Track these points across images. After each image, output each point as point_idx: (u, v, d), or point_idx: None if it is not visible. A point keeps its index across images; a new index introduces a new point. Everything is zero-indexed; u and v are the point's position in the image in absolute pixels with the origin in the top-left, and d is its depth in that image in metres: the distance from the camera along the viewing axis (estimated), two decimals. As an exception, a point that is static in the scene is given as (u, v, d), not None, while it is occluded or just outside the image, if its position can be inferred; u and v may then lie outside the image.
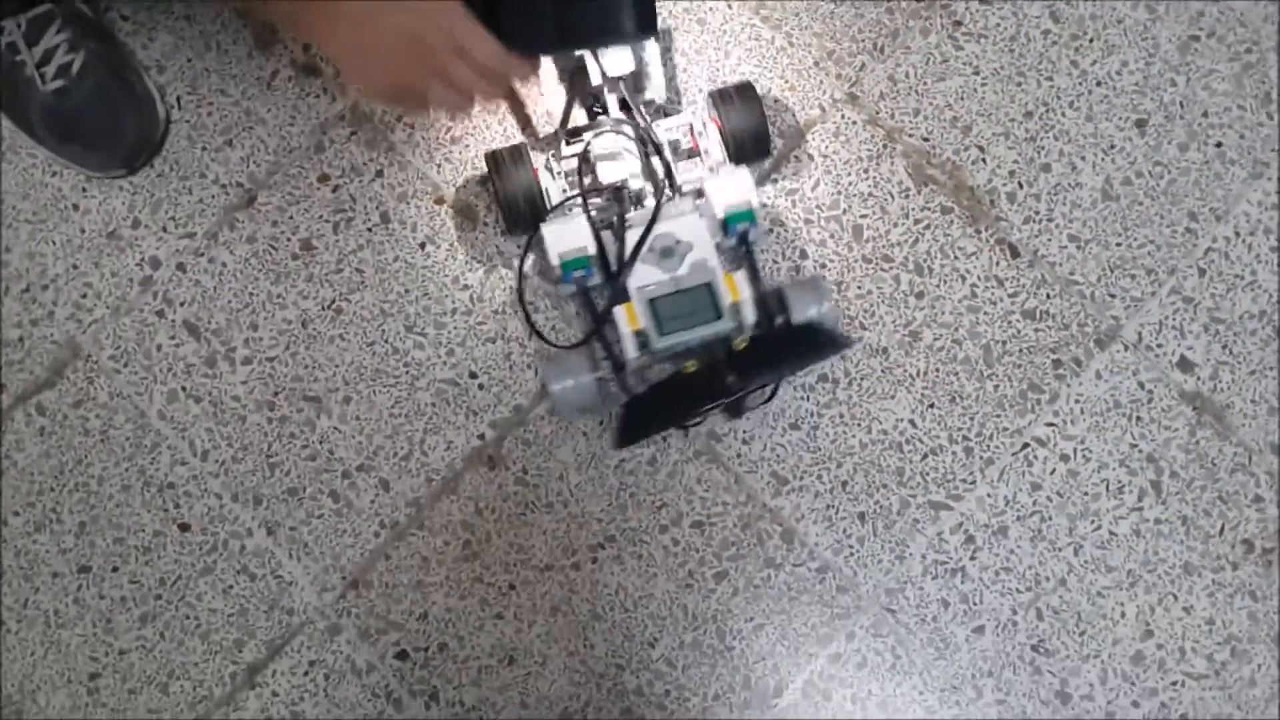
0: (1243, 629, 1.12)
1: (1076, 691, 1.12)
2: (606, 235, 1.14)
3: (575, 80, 1.17)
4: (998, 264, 1.20)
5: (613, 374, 1.11)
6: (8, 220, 1.25)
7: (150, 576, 1.16)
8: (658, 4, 1.10)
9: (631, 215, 1.13)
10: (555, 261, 1.11)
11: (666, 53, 1.28)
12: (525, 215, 1.16)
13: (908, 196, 1.22)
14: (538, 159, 1.17)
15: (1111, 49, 1.25)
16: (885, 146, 1.24)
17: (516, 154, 1.16)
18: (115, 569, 1.17)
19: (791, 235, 1.22)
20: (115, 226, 1.23)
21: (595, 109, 1.17)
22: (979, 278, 1.20)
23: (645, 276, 1.10)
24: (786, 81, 1.26)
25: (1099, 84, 1.24)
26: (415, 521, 1.16)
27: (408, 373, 1.19)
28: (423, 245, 1.22)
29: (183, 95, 1.28)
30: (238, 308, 1.22)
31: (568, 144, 1.16)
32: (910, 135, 1.24)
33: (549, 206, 1.16)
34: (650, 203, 1.13)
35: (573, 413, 1.18)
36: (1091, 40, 1.26)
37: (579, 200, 1.14)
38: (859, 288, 1.20)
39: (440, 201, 1.24)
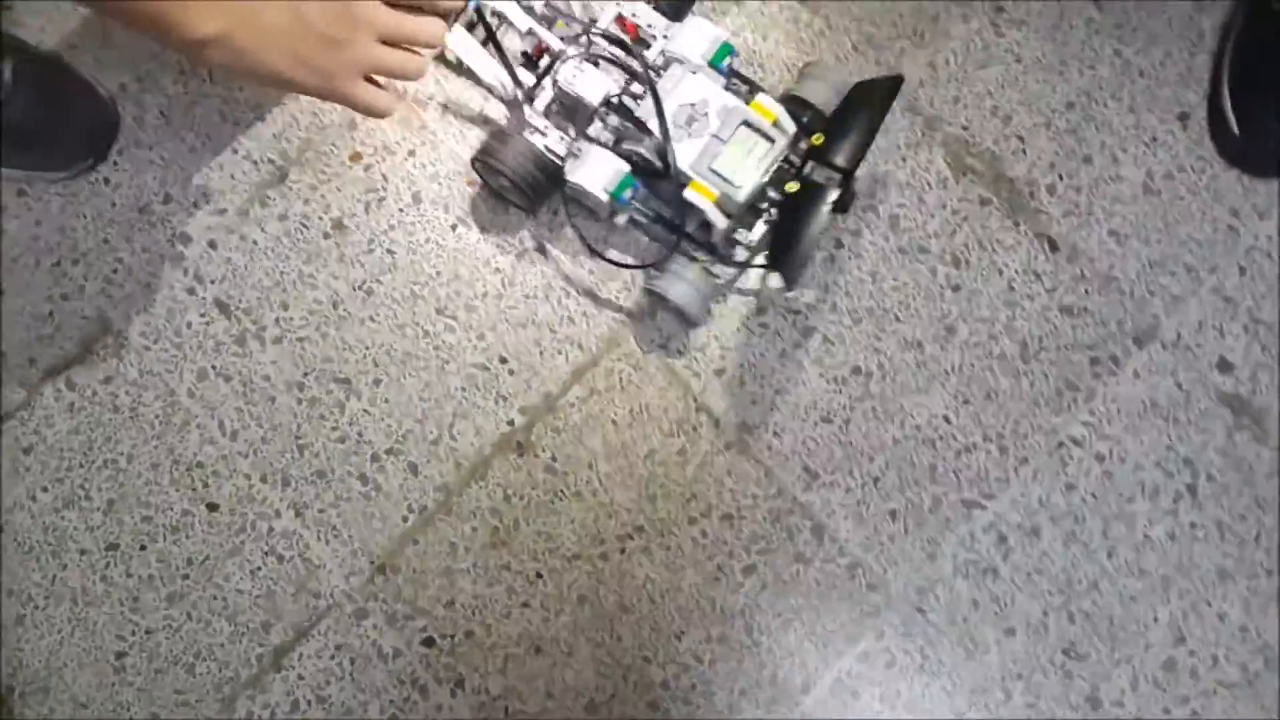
0: (1277, 638, 0.98)
1: (1107, 697, 1.00)
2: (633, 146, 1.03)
3: (494, 43, 1.05)
4: (1036, 258, 1.06)
5: (710, 256, 1.05)
6: (38, 193, 1.09)
7: (178, 556, 1.04)
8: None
9: (639, 111, 1.02)
10: (604, 197, 1.01)
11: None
12: (545, 182, 1.04)
13: (945, 187, 1.08)
14: (517, 127, 1.05)
15: (1155, 39, 1.10)
16: (924, 135, 1.09)
17: (500, 136, 1.03)
18: (143, 547, 1.04)
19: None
20: (146, 201, 1.10)
21: (532, 55, 1.07)
22: (1017, 271, 1.06)
23: (690, 152, 1.00)
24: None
25: (1142, 75, 1.10)
26: (443, 507, 1.03)
27: (438, 356, 1.06)
28: (454, 227, 1.09)
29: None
30: (268, 286, 1.08)
31: (535, 96, 1.05)
32: (949, 124, 1.09)
33: (562, 157, 1.04)
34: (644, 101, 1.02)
35: (703, 314, 1.08)
36: (1135, 30, 1.11)
37: (583, 137, 1.03)
38: (894, 279, 1.06)
39: (472, 183, 1.11)
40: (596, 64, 1.03)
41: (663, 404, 1.05)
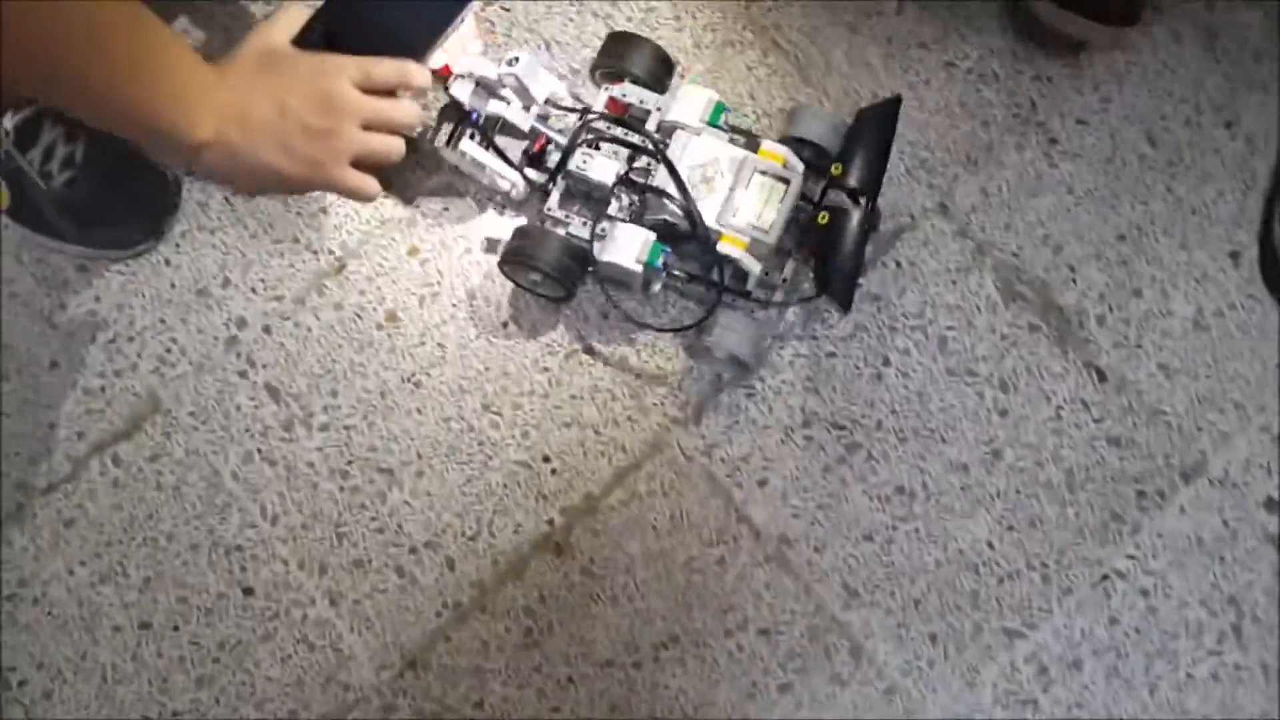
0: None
1: (1147, 840, 0.94)
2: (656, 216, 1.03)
3: (495, 148, 1.06)
4: (1084, 387, 1.04)
5: (753, 302, 1.05)
6: (99, 270, 1.09)
7: (210, 639, 1.01)
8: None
9: (655, 179, 1.02)
10: (638, 267, 1.00)
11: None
12: (577, 268, 1.03)
13: (995, 311, 1.06)
14: (549, 227, 1.06)
15: (1208, 177, 1.09)
16: (975, 259, 1.08)
17: (524, 233, 1.03)
18: (176, 628, 1.02)
19: (875, 343, 1.05)
20: (205, 284, 1.09)
21: (534, 152, 1.06)
22: (1064, 399, 1.04)
23: (712, 208, 1.01)
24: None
25: (1194, 212, 1.09)
26: (478, 604, 1.01)
27: (481, 451, 1.04)
28: (505, 325, 1.07)
29: (282, 159, 1.11)
30: (319, 373, 1.06)
31: (550, 186, 1.06)
32: (1000, 250, 1.08)
33: (589, 239, 1.05)
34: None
35: (758, 357, 1.10)
36: (1188, 167, 1.10)
37: (609, 212, 1.05)
38: (941, 400, 1.03)
39: (522, 286, 1.07)
40: (599, 147, 1.04)
41: (704, 512, 1.03)
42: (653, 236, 1.02)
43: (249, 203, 1.13)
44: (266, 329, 1.10)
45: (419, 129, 0.94)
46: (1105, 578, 1.02)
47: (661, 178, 1.02)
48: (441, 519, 1.05)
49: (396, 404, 1.08)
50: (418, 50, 0.88)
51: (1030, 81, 1.14)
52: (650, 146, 1.02)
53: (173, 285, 1.11)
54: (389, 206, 1.13)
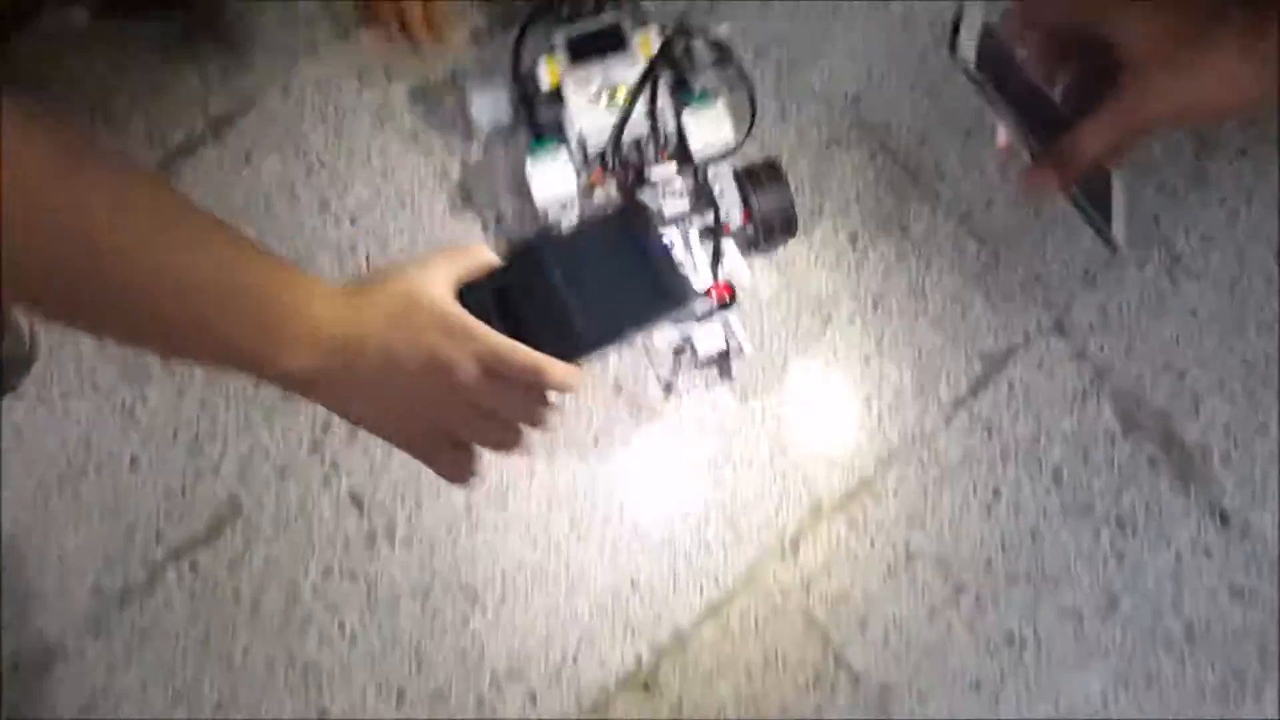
0: None
1: None
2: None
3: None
4: (1206, 531, 0.92)
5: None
6: (183, 364, 0.98)
7: (284, 766, 0.89)
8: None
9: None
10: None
11: (863, 258, 1.07)
12: None
13: (1114, 443, 0.93)
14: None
15: (1343, 302, 0.94)
16: (1092, 384, 0.95)
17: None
18: (250, 752, 0.90)
19: (985, 472, 0.93)
20: (289, 384, 0.97)
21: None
22: (1185, 544, 0.91)
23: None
24: (990, 301, 0.98)
25: (1328, 343, 0.93)
26: (562, 742, 0.88)
27: (568, 575, 0.94)
28: (596, 440, 0.96)
29: (373, 252, 1.07)
30: (404, 483, 0.97)
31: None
32: (1120, 375, 0.95)
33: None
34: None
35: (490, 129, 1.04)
36: (1322, 290, 0.95)
37: None
38: (1055, 539, 0.91)
39: (619, 393, 0.95)
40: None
41: (799, 654, 0.92)
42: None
43: None
44: (352, 433, 0.99)
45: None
46: (1228, 745, 0.88)
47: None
48: (525, 646, 0.95)
49: (481, 519, 0.97)
50: (578, 349, 0.70)
51: (1154, 193, 1.01)
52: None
53: (258, 384, 1.00)
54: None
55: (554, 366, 0.63)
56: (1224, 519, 0.93)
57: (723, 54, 0.96)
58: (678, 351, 0.95)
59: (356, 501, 0.98)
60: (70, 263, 0.53)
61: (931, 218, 1.01)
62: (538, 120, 0.96)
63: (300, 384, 0.62)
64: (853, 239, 1.01)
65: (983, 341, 0.98)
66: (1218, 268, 0.99)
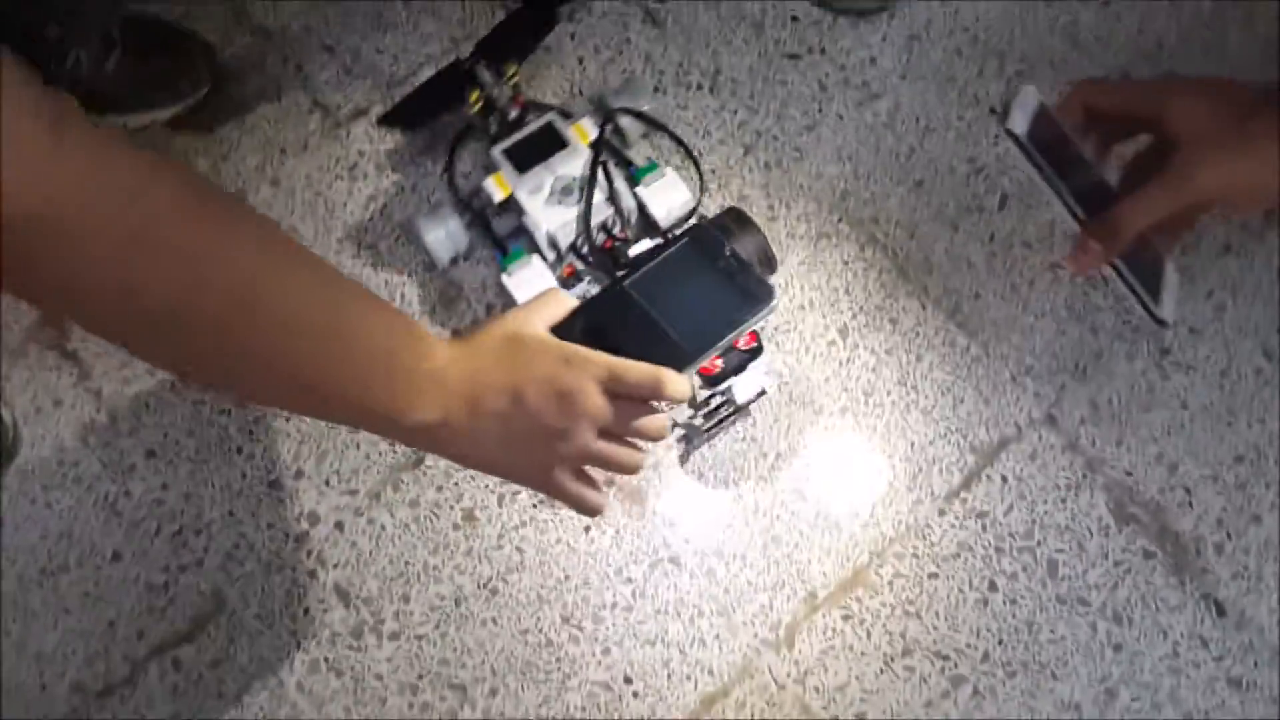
0: None
1: None
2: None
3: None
4: (1202, 621, 0.91)
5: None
6: (168, 455, 0.98)
7: None
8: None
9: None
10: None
11: (854, 351, 1.08)
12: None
13: (1108, 535, 0.93)
14: None
15: (1329, 394, 0.96)
16: (1085, 476, 0.95)
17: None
18: None
19: (981, 564, 0.93)
20: (278, 475, 0.98)
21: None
22: (1181, 635, 0.91)
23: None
24: (981, 394, 0.99)
25: (1315, 428, 0.95)
26: (553, 843, 0.86)
27: (559, 669, 0.92)
28: (587, 529, 0.96)
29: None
30: (391, 576, 0.95)
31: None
32: (1112, 467, 0.95)
33: None
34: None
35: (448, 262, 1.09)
36: (1307, 381, 0.96)
37: None
38: (1051, 631, 0.91)
39: (609, 484, 0.95)
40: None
41: (797, 750, 0.89)
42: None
43: None
44: (339, 525, 0.98)
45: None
46: (1233, 843, 0.87)
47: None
48: (516, 744, 0.91)
49: (471, 612, 0.96)
50: (684, 359, 0.71)
51: (1140, 286, 1.02)
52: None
53: (244, 475, 1.00)
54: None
55: (670, 375, 0.68)
56: (1220, 609, 0.93)
57: (649, 123, 1.04)
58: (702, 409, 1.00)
59: (343, 595, 0.97)
60: (228, 327, 0.57)
61: (921, 311, 1.03)
62: (496, 234, 0.99)
63: (429, 437, 0.66)
64: (843, 332, 1.03)
65: (975, 434, 0.98)
66: (1206, 359, 1.01)
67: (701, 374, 0.93)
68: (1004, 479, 0.98)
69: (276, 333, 0.58)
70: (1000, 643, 0.93)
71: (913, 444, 0.99)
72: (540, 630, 0.96)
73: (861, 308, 1.03)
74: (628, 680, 0.94)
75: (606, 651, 0.95)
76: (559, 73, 1.13)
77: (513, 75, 1.01)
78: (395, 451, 1.00)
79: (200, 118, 1.13)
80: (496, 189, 0.97)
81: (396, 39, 1.17)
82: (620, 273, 0.81)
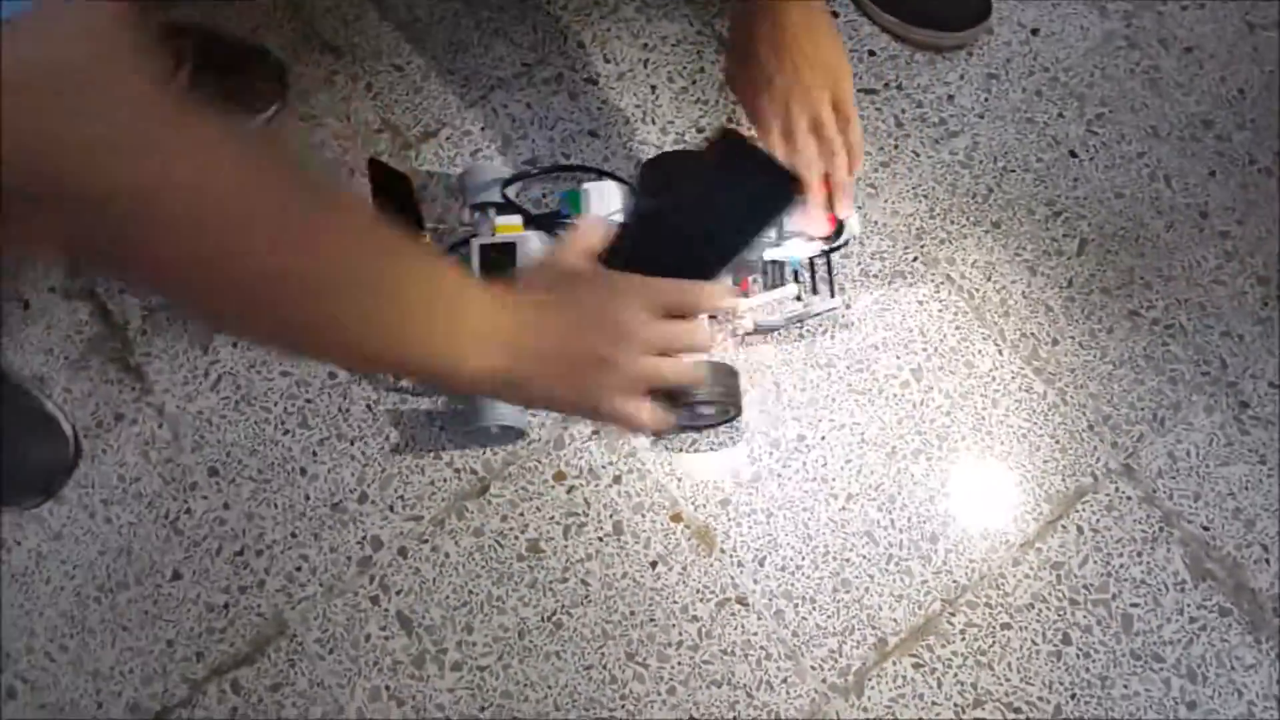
0: None
1: None
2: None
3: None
4: (1278, 681, 0.90)
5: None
6: (230, 474, 0.98)
7: None
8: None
9: None
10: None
11: (928, 394, 1.09)
12: (733, 381, 1.04)
13: (1183, 590, 0.93)
14: None
15: None
16: (1161, 530, 0.95)
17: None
18: None
19: (1055, 616, 0.93)
20: (341, 498, 0.98)
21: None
22: (1257, 695, 0.91)
23: None
24: (1057, 442, 0.99)
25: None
26: None
27: (623, 708, 0.92)
28: (654, 564, 0.95)
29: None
30: (455, 605, 0.95)
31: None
32: (1189, 521, 0.95)
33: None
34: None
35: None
36: (1389, 443, 0.96)
37: None
38: (1125, 686, 0.91)
39: (677, 519, 0.98)
40: None
41: (867, 799, 0.89)
42: None
43: (392, 412, 1.07)
44: (402, 551, 0.99)
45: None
46: None
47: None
48: (579, 783, 0.91)
49: (535, 645, 0.96)
50: (716, 265, 0.77)
51: (1220, 337, 1.03)
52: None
53: (307, 498, 1.01)
54: (535, 426, 1.05)
55: (708, 289, 0.74)
56: (1297, 671, 0.93)
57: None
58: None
59: (405, 623, 0.97)
60: (317, 292, 0.60)
61: (997, 355, 1.03)
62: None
63: (491, 382, 0.69)
64: (916, 373, 1.03)
65: (1051, 482, 0.99)
66: (1285, 415, 1.00)
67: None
68: (1079, 529, 0.98)
69: (359, 293, 0.62)
70: (1073, 697, 0.94)
71: (987, 490, 0.99)
72: (604, 666, 0.96)
73: (936, 349, 1.04)
74: (693, 721, 0.94)
75: (672, 691, 0.95)
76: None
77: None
78: (460, 479, 1.01)
79: (270, 134, 1.13)
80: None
81: (467, 60, 1.17)
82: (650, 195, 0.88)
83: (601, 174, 1.05)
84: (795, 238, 0.96)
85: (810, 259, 0.99)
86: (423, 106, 1.16)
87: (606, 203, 0.97)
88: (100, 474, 1.02)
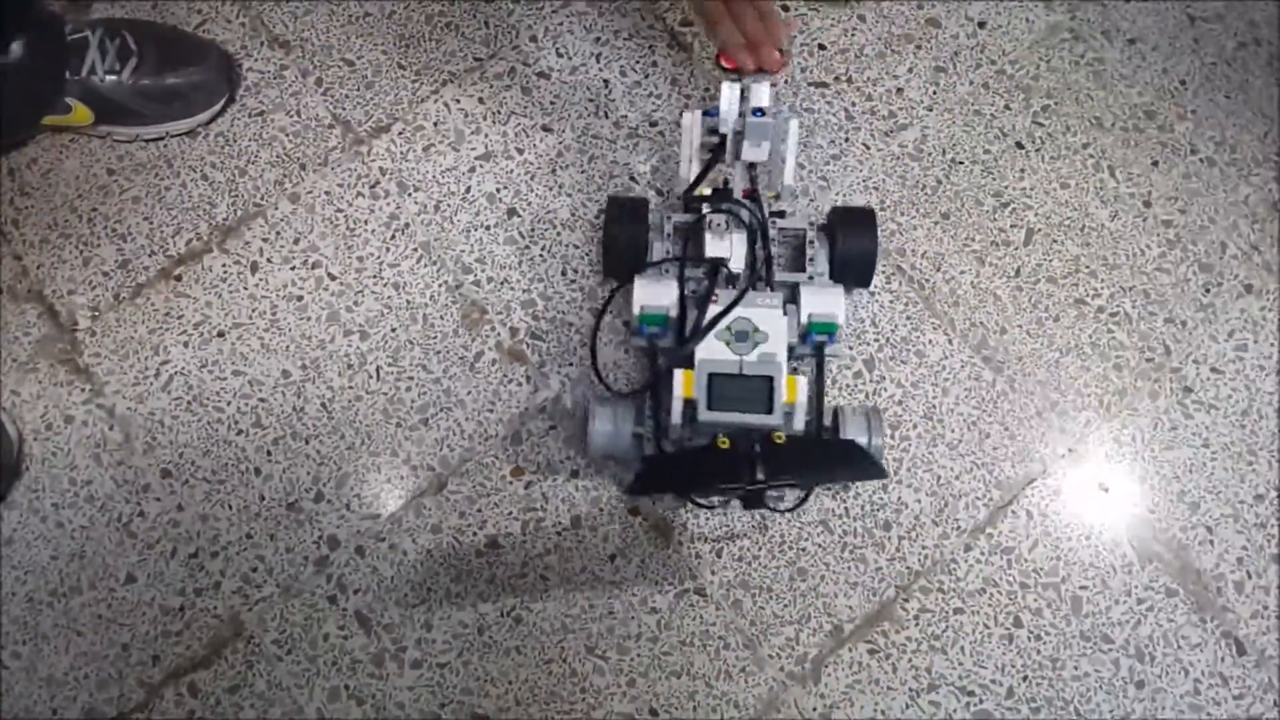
0: None
1: None
2: (693, 309, 1.02)
3: (714, 153, 1.04)
4: (1223, 660, 0.96)
5: (651, 434, 0.99)
6: (183, 476, 1.00)
7: None
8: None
9: (720, 293, 1.00)
10: (636, 311, 1.01)
11: (879, 384, 1.12)
12: (624, 263, 1.05)
13: (1130, 572, 0.98)
14: (654, 216, 1.06)
15: (1348, 436, 1.01)
16: (1108, 513, 0.99)
17: (636, 207, 1.06)
18: None
19: (1005, 600, 0.97)
20: (297, 498, 1.00)
21: (721, 187, 1.05)
22: (1203, 673, 0.96)
23: (713, 352, 0.97)
24: (1006, 429, 1.03)
25: (1335, 473, 1.00)
26: None
27: (584, 700, 0.95)
28: (612, 558, 0.99)
29: (383, 365, 1.10)
30: (413, 603, 0.98)
31: (685, 210, 1.06)
32: (1135, 505, 0.99)
33: (648, 261, 1.05)
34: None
35: (601, 456, 1.04)
36: (1328, 425, 1.01)
37: (676, 264, 1.04)
38: (1075, 667, 0.95)
39: (635, 513, 1.02)
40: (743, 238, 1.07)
41: (825, 785, 0.93)
42: (672, 313, 1.06)
43: (348, 409, 1.10)
44: (360, 550, 1.01)
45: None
46: None
47: (722, 296, 1.02)
48: (541, 775, 0.94)
49: (495, 641, 0.99)
50: None
51: (1164, 324, 1.08)
52: (756, 274, 1.06)
53: (262, 498, 1.03)
54: (491, 421, 1.08)
55: None
56: (1240, 648, 0.98)
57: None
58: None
59: (364, 622, 0.99)
60: None
61: (947, 344, 1.07)
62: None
63: None
64: (869, 364, 1.07)
65: (1000, 469, 1.03)
66: (1229, 398, 1.06)
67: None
68: (1029, 514, 1.02)
69: None
70: (1025, 679, 0.98)
71: (939, 478, 1.03)
72: (564, 660, 0.99)
73: (888, 339, 1.07)
74: (653, 712, 0.97)
75: (632, 683, 0.98)
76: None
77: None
78: (417, 476, 1.03)
79: (217, 130, 1.15)
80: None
81: (419, 54, 1.19)
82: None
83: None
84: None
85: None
86: (374, 101, 1.17)
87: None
88: (51, 477, 1.03)
